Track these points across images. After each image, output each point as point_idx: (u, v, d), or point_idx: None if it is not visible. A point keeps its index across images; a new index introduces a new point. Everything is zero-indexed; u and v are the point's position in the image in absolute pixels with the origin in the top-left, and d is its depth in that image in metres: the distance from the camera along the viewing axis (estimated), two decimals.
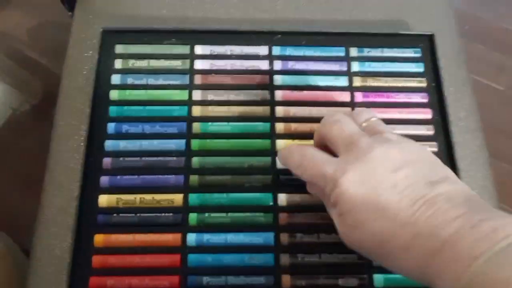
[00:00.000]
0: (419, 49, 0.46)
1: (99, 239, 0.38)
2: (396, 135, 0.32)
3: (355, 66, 0.45)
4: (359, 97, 0.43)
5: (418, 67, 0.45)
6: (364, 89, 0.44)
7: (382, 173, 0.29)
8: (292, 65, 0.44)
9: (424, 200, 0.28)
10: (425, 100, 0.44)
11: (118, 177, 0.40)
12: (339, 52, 0.45)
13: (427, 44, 0.46)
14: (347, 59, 0.45)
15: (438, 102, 0.44)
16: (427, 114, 0.43)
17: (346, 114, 0.35)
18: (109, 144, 0.41)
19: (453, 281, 0.25)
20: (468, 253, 0.24)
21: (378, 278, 0.37)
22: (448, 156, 0.42)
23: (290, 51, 0.45)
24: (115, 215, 0.39)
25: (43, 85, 0.98)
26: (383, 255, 0.30)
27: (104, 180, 0.40)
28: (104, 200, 0.39)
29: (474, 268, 0.24)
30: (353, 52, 0.45)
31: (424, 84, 0.44)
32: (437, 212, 0.27)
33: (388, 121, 0.36)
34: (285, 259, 0.38)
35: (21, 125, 0.97)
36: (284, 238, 0.38)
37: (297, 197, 0.39)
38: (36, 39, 1.02)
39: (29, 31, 1.03)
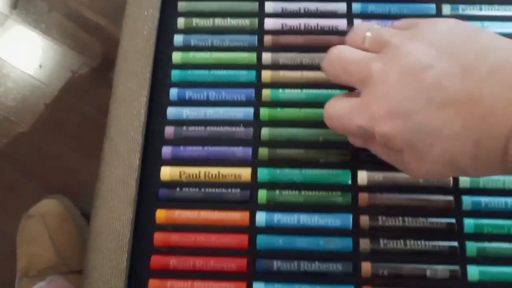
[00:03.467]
0: None
1: (161, 214, 0.35)
2: (403, 35, 0.28)
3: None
4: None
5: None
6: None
7: (413, 95, 0.26)
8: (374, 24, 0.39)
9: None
10: None
11: (181, 148, 0.36)
12: (429, 10, 0.39)
13: None
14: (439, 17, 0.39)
15: None
16: None
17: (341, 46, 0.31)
18: (171, 112, 0.37)
19: None
20: None
21: (472, 270, 0.33)
22: None
23: (372, 8, 0.39)
24: (178, 189, 0.36)
25: (102, 47, 0.96)
26: (457, 170, 0.26)
27: (167, 150, 0.37)
28: (166, 172, 0.36)
29: None
30: (446, 9, 0.39)
31: None
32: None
33: None
34: (365, 244, 0.34)
35: (80, 88, 0.96)
36: (364, 221, 0.34)
37: (379, 176, 0.35)
38: (96, 0, 1.00)
39: None
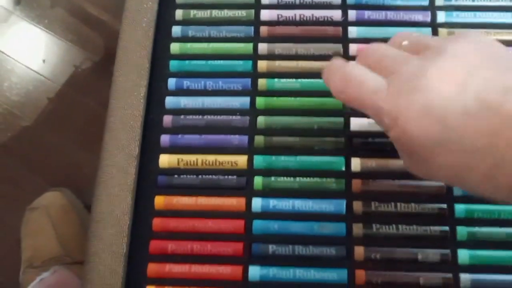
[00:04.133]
0: None
1: (159, 201, 0.36)
2: (445, 39, 0.27)
3: (441, 17, 0.39)
4: None
5: None
6: None
7: (453, 97, 0.24)
8: (369, 15, 0.40)
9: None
10: None
11: (179, 136, 0.37)
12: (423, 0, 0.40)
13: None
14: (432, 8, 0.40)
15: None
16: None
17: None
18: (169, 101, 0.38)
19: None
20: None
21: (463, 254, 0.34)
22: None
23: None
24: (176, 176, 0.36)
25: (104, 42, 0.97)
26: (459, 183, 0.26)
27: (165, 139, 0.37)
28: (164, 160, 0.37)
29: None
30: (439, 0, 0.40)
31: None
32: None
33: None
34: (358, 229, 0.34)
35: (83, 82, 0.97)
36: (358, 206, 0.35)
37: (372, 162, 0.36)
38: None
39: None
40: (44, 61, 0.98)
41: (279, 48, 0.39)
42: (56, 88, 0.96)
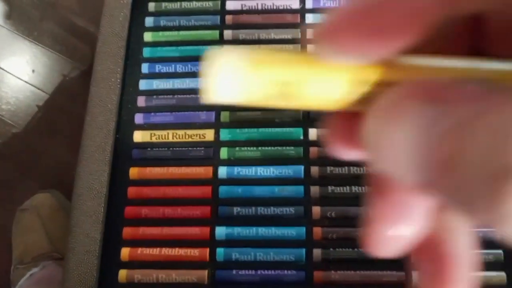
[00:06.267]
0: None
1: (134, 171, 0.39)
2: None
3: None
4: None
5: None
6: None
7: None
8: (324, 3, 0.44)
9: None
10: None
11: (152, 114, 0.41)
12: None
13: None
14: None
15: None
16: None
17: None
18: (143, 83, 0.42)
19: None
20: None
21: None
22: None
23: None
24: (149, 149, 0.40)
25: (91, 52, 1.00)
26: None
27: (139, 117, 0.41)
28: (138, 136, 0.40)
29: None
30: None
31: None
32: None
33: None
34: (315, 190, 0.38)
35: (71, 90, 1.00)
36: (315, 171, 0.38)
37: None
38: (84, 8, 1.06)
39: (78, 0, 1.07)
40: (33, 71, 1.02)
41: (243, 34, 0.43)
42: (45, 96, 1.00)
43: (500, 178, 0.09)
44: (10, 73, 1.01)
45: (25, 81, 1.01)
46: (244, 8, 0.44)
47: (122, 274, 0.37)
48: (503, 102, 0.10)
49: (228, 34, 0.43)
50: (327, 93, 0.12)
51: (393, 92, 0.11)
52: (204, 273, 0.37)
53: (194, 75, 0.42)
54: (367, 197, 0.14)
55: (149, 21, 0.44)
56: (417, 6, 0.11)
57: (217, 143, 0.40)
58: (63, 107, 0.99)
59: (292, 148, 0.39)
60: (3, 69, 1.02)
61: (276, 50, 0.12)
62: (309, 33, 0.43)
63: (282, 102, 0.13)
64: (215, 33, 0.43)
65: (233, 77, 0.12)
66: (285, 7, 0.44)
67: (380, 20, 0.11)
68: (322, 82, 0.12)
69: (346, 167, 0.38)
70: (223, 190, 0.38)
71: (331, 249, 0.36)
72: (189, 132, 0.40)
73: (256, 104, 0.13)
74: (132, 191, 0.39)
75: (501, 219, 0.09)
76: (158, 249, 0.37)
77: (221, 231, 0.37)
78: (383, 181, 0.13)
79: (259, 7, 0.44)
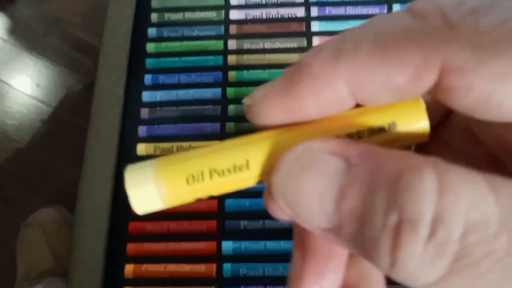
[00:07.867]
0: None
1: None
2: None
3: (397, 9, 0.43)
4: None
5: None
6: None
7: None
8: (329, 10, 0.43)
9: None
10: None
11: (156, 126, 0.40)
12: None
13: None
14: (388, 1, 0.43)
15: None
16: None
17: None
18: (146, 95, 0.41)
19: None
20: None
21: None
22: None
23: None
24: None
25: (95, 66, 1.00)
26: None
27: (142, 129, 0.40)
28: (142, 148, 0.39)
29: None
30: None
31: None
32: None
33: None
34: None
35: (75, 104, 1.00)
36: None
37: None
38: (88, 23, 1.06)
39: (81, 15, 1.07)
40: (37, 85, 1.02)
41: (248, 43, 0.42)
42: (49, 110, 1.00)
43: (397, 230, 0.10)
44: (14, 88, 1.01)
45: (29, 95, 1.01)
46: (248, 18, 0.43)
47: None
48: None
49: (232, 43, 0.42)
50: (238, 175, 0.13)
51: (301, 146, 0.12)
52: None
53: (198, 86, 0.41)
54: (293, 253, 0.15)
55: (152, 31, 0.44)
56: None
57: None
58: (67, 121, 0.99)
59: None
60: (7, 83, 1.02)
61: (183, 152, 0.14)
62: (315, 42, 0.42)
63: (204, 194, 0.14)
64: (219, 43, 0.42)
65: (148, 190, 0.13)
66: (290, 16, 0.43)
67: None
68: (227, 164, 0.13)
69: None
70: (229, 203, 0.37)
71: None
72: (194, 144, 0.39)
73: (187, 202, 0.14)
74: None
75: (399, 263, 0.10)
76: (163, 265, 0.36)
77: (228, 246, 0.36)
78: (304, 235, 0.14)
79: (264, 16, 0.43)
